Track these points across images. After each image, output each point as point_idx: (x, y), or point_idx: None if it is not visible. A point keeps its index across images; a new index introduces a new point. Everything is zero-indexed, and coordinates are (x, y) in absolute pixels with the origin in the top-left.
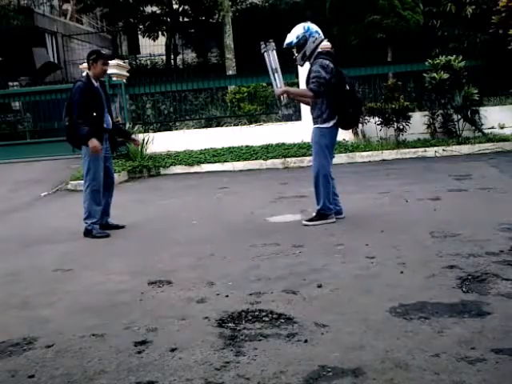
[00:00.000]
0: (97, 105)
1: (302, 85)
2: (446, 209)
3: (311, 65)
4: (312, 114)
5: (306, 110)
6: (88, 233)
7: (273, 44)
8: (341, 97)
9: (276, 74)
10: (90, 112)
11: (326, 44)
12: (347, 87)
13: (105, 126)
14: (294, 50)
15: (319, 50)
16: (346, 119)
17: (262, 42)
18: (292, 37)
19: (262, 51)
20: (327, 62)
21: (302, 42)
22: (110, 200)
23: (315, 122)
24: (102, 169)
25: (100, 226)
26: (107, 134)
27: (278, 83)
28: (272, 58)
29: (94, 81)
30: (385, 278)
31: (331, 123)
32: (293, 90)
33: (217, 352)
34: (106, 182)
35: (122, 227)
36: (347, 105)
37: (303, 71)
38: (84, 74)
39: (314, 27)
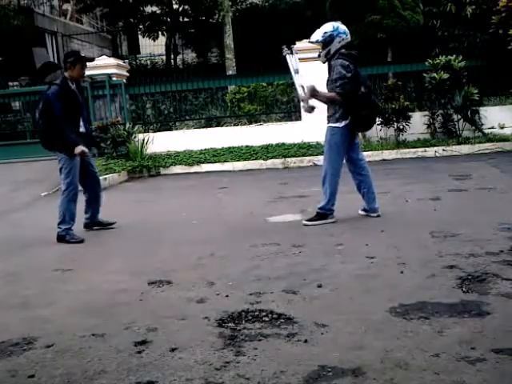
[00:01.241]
0: (73, 109)
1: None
2: (446, 209)
3: (332, 65)
4: (327, 112)
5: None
6: (61, 238)
7: (293, 47)
8: (355, 98)
9: (297, 75)
10: (66, 116)
11: None
12: (362, 89)
13: (80, 130)
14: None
15: (344, 50)
16: (360, 121)
17: (283, 46)
18: (320, 34)
19: (284, 54)
20: (347, 63)
21: (328, 40)
22: (100, 199)
23: (328, 121)
24: (78, 173)
25: (92, 224)
26: (82, 138)
27: (300, 83)
28: (294, 60)
29: (70, 83)
30: (385, 278)
31: (343, 123)
32: (322, 92)
33: (217, 352)
34: (92, 184)
35: (113, 223)
36: (361, 107)
37: (304, 72)
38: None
39: (342, 27)
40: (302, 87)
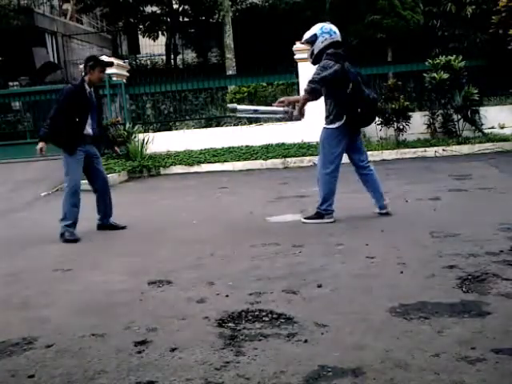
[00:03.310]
0: (82, 111)
1: (303, 85)
2: (446, 209)
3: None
4: (325, 113)
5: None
6: (61, 236)
7: (230, 106)
8: (344, 97)
9: (262, 110)
10: (72, 116)
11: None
12: (350, 86)
13: (88, 132)
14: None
15: (330, 50)
16: (355, 120)
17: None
18: (307, 34)
19: (237, 115)
20: (330, 63)
21: (312, 40)
22: (109, 200)
23: (324, 122)
24: (81, 171)
25: (103, 226)
26: (91, 139)
27: (273, 110)
28: (245, 110)
29: (87, 86)
30: (385, 277)
31: (337, 124)
32: (299, 101)
33: (217, 352)
34: (98, 184)
35: (123, 228)
36: (354, 105)
37: (304, 72)
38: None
39: (328, 27)
40: (275, 111)
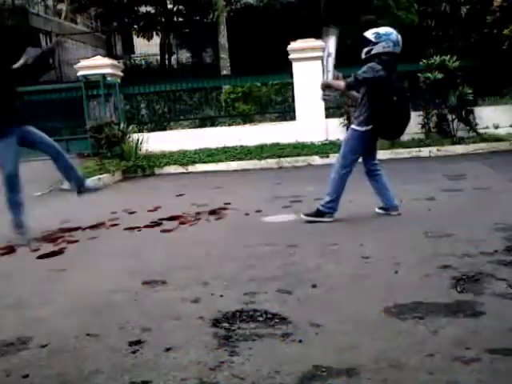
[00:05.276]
0: None
1: (297, 85)
2: (440, 209)
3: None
4: (354, 113)
5: (300, 109)
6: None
7: (333, 30)
8: (380, 105)
9: (329, 58)
10: None
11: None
12: (395, 98)
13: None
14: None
15: (385, 57)
16: (381, 130)
17: (325, 28)
18: (372, 32)
19: (323, 36)
20: (379, 68)
21: (374, 41)
22: (68, 163)
23: (353, 122)
24: (12, 156)
25: (80, 191)
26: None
27: (329, 68)
28: (330, 43)
29: None
30: (379, 277)
31: (364, 128)
32: (336, 83)
33: (211, 352)
34: (48, 152)
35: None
36: (389, 115)
37: (298, 72)
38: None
39: (395, 37)
40: (328, 72)
